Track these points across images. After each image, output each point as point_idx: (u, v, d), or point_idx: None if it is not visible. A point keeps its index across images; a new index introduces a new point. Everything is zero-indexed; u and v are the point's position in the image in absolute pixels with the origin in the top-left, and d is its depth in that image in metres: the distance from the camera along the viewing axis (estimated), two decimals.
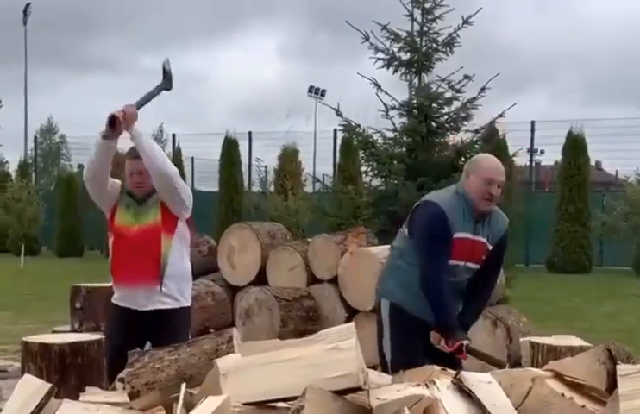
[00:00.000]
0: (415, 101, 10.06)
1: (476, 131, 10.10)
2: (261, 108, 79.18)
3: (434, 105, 9.92)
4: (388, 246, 6.63)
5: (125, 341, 4.07)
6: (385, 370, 4.00)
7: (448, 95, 9.94)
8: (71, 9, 79.31)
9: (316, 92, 43.96)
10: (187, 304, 4.62)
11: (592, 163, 23.54)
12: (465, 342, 3.97)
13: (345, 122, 10.20)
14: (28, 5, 41.55)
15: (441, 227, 3.99)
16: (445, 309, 4.01)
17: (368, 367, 3.01)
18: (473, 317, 4.28)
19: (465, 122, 10.02)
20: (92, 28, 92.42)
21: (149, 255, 4.36)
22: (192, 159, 26.61)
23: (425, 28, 10.02)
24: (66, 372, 3.80)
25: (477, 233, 4.09)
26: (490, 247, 4.15)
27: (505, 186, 4.20)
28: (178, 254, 4.49)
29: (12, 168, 32.92)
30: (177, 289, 4.50)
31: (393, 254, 4.34)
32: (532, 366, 3.32)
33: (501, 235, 4.21)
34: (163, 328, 4.30)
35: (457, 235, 4.02)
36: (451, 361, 3.77)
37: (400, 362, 3.77)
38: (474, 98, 9.87)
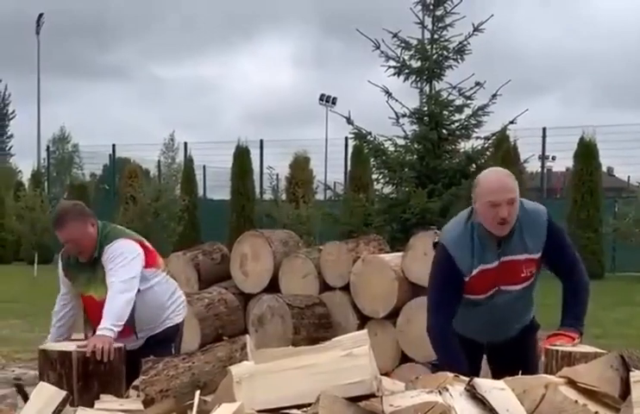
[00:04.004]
0: (426, 108, 10.09)
1: (487, 138, 10.11)
2: (273, 115, 79.29)
3: (445, 112, 9.95)
4: (400, 253, 6.67)
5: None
6: None
7: (459, 102, 9.97)
8: (83, 19, 79.83)
9: (327, 100, 44.05)
10: (170, 324, 4.50)
11: (604, 169, 23.46)
12: None
13: (356, 130, 10.24)
14: (41, 15, 41.90)
15: (447, 272, 3.66)
16: (449, 361, 3.58)
17: (381, 374, 3.03)
18: (576, 316, 3.70)
19: (476, 129, 10.05)
20: (105, 36, 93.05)
21: None
22: (204, 167, 26.70)
23: (436, 36, 10.06)
24: (89, 379, 3.82)
25: (506, 254, 3.64)
26: (533, 257, 3.67)
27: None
28: (144, 301, 4.30)
29: (25, 177, 33.20)
30: (154, 325, 4.41)
31: None
32: (546, 373, 3.31)
33: (544, 230, 3.66)
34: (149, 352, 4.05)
35: (476, 270, 3.64)
36: (508, 370, 3.41)
37: None
38: (485, 105, 9.89)
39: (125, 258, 4.19)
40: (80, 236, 4.21)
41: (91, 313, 4.34)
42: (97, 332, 4.03)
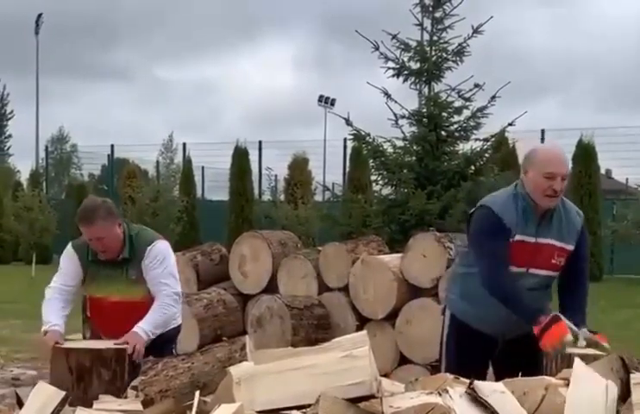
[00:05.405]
0: (425, 110, 10.08)
1: (486, 140, 10.11)
2: (272, 116, 79.35)
3: (444, 114, 9.93)
4: (399, 254, 6.66)
5: None
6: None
7: (458, 104, 9.95)
8: (83, 19, 79.85)
9: (326, 101, 44.03)
10: (175, 324, 4.50)
11: (603, 171, 23.47)
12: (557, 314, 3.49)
13: (355, 131, 10.22)
14: (40, 15, 41.91)
15: (496, 227, 3.66)
16: (521, 305, 3.63)
17: (381, 376, 3.02)
18: (578, 322, 3.72)
19: (475, 131, 10.04)
20: (105, 37, 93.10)
21: (135, 322, 4.16)
22: (203, 168, 26.68)
23: (435, 38, 10.05)
24: (90, 380, 3.83)
25: (541, 235, 3.72)
26: (566, 248, 3.77)
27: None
28: None
29: (24, 177, 33.18)
30: (165, 326, 4.40)
31: (456, 261, 4.17)
32: (546, 375, 3.31)
33: (577, 231, 3.80)
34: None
35: (517, 237, 3.69)
36: (514, 370, 3.39)
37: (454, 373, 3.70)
38: (484, 107, 9.88)
39: (170, 262, 4.26)
40: (106, 235, 4.17)
41: (100, 313, 4.32)
42: (136, 329, 4.04)
